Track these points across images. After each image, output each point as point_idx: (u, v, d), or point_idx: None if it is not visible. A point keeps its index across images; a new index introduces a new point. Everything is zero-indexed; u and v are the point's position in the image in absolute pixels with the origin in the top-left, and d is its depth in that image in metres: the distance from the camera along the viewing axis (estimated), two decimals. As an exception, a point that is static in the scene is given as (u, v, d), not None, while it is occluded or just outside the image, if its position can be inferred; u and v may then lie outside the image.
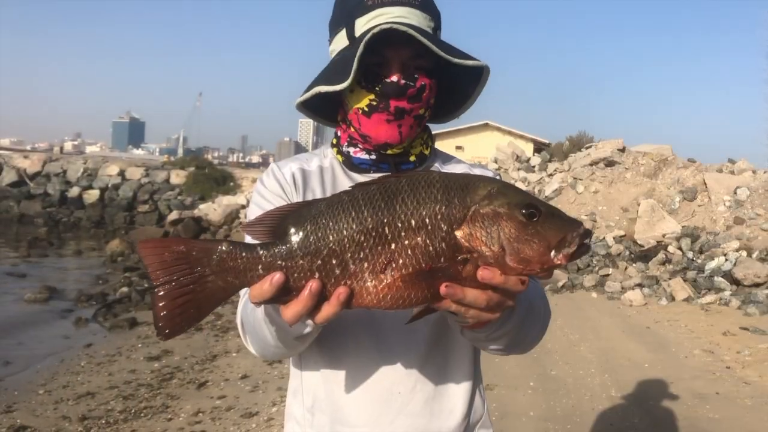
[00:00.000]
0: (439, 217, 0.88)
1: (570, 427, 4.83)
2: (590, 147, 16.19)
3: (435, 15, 1.26)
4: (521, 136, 39.81)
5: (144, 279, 12.83)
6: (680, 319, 8.38)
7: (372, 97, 1.22)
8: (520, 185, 16.20)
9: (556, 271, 11.18)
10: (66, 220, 25.08)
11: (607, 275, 10.89)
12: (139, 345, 8.05)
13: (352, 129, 1.28)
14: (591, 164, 14.69)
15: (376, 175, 1.24)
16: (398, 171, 1.27)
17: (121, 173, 27.64)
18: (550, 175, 15.64)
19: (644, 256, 11.33)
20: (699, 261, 10.54)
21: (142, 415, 5.52)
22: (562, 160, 16.73)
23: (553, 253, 0.87)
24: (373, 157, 1.28)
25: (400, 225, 0.88)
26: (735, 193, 12.34)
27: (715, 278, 9.64)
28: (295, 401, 1.36)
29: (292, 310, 0.91)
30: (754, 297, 8.63)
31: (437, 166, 1.35)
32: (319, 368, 1.28)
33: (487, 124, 40.14)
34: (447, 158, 1.40)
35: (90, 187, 27.19)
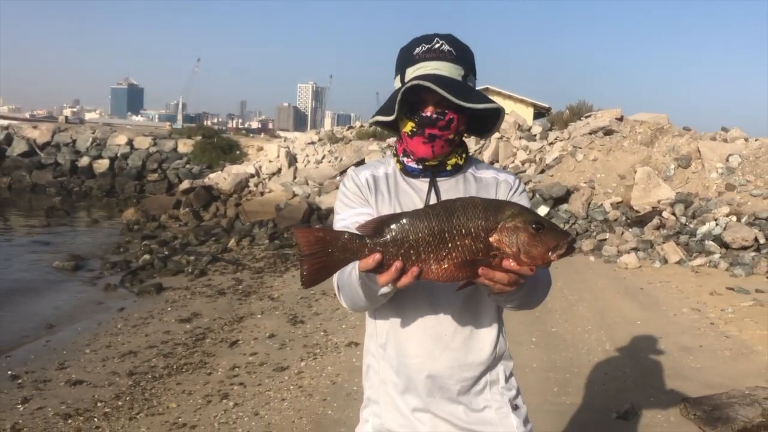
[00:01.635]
0: (479, 228, 1.42)
1: (568, 377, 5.42)
2: (590, 116, 16.61)
3: (466, 64, 1.73)
4: (522, 101, 39.87)
5: (164, 246, 13.43)
6: (671, 280, 8.96)
7: (413, 125, 1.72)
8: (521, 154, 16.67)
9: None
10: (78, 190, 25.57)
11: (605, 240, 11.45)
12: (169, 309, 8.60)
13: (404, 144, 1.82)
14: (590, 133, 15.14)
15: (425, 180, 1.79)
16: (436, 177, 1.82)
17: (130, 143, 28.04)
18: (551, 143, 16.10)
19: (640, 221, 11.88)
20: (691, 226, 11.08)
21: (183, 370, 6.05)
22: (562, 128, 17.15)
23: (550, 253, 1.41)
24: (420, 167, 1.82)
25: (455, 232, 1.42)
26: (727, 160, 12.83)
27: (706, 242, 10.20)
28: (371, 341, 1.90)
29: (384, 278, 1.45)
30: (741, 259, 9.20)
31: (471, 172, 1.87)
32: (389, 318, 1.82)
33: (487, 88, 40.16)
34: (479, 165, 1.93)
35: (99, 157, 27.62)
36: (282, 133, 41.30)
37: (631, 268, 9.83)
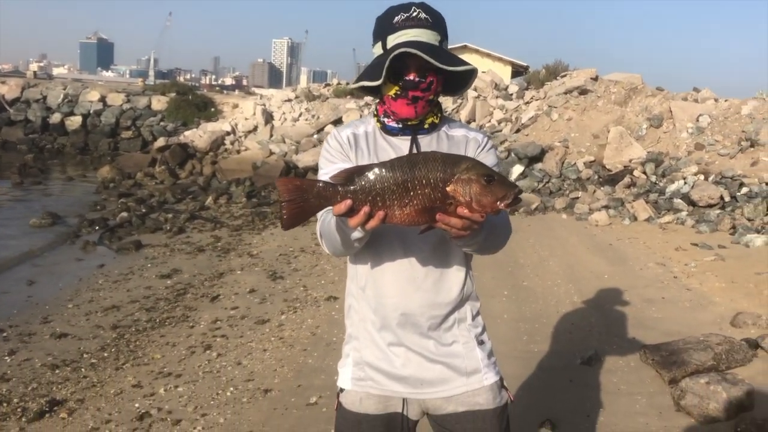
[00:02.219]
0: (438, 179, 1.58)
1: (537, 327, 5.69)
2: (565, 76, 16.77)
3: (441, 31, 1.88)
4: (500, 59, 39.81)
5: (141, 204, 13.46)
6: (640, 236, 9.27)
7: (397, 88, 1.87)
8: (497, 113, 16.82)
9: (530, 195, 11.99)
10: (50, 147, 25.17)
11: (577, 198, 11.73)
12: (149, 265, 8.71)
13: (386, 106, 1.97)
14: (565, 93, 15.31)
15: (404, 137, 1.95)
16: (416, 135, 1.98)
17: (102, 99, 27.53)
18: (527, 103, 16.26)
19: (612, 179, 12.17)
20: (661, 184, 11.39)
21: (166, 323, 6.21)
22: (538, 88, 17.30)
23: (499, 202, 1.57)
24: (400, 126, 1.97)
25: (416, 182, 1.58)
26: (697, 120, 13.10)
27: (675, 200, 10.52)
28: (352, 284, 2.08)
29: (354, 221, 1.62)
30: (707, 217, 9.54)
31: (445, 129, 2.03)
32: (367, 263, 1.99)
33: (465, 46, 39.94)
34: (452, 123, 2.08)
35: (72, 114, 27.10)
36: (257, 90, 40.87)
37: (601, 225, 10.13)
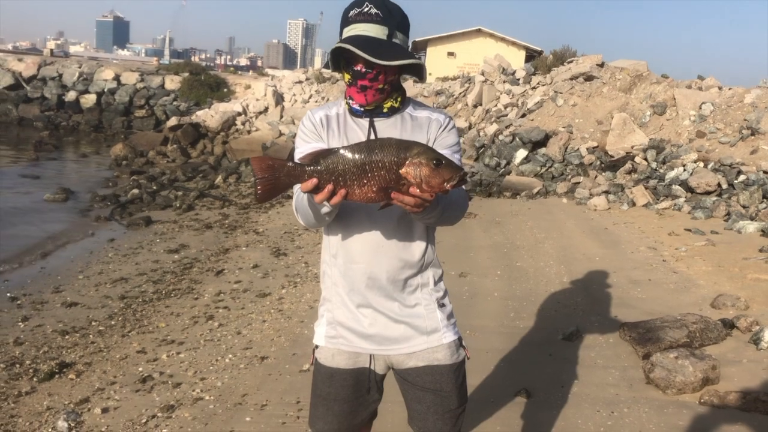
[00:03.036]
0: (392, 162, 1.80)
1: (525, 305, 5.91)
2: (572, 62, 16.83)
3: (391, 24, 2.05)
4: (513, 43, 39.62)
5: (152, 182, 13.77)
6: (636, 221, 9.43)
7: (349, 76, 2.08)
8: (504, 98, 16.93)
9: (532, 179, 12.17)
10: (65, 124, 25.62)
11: (578, 183, 11.88)
12: (158, 240, 9.02)
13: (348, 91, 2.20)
14: (571, 78, 15.38)
15: (366, 119, 2.17)
16: (374, 117, 2.15)
17: (117, 78, 27.90)
18: (534, 88, 16.35)
19: (613, 165, 12.30)
20: (661, 171, 11.51)
21: (172, 295, 6.50)
22: (545, 73, 17.37)
23: (445, 183, 1.79)
24: (362, 109, 2.19)
25: (373, 165, 1.81)
26: (700, 108, 13.17)
27: (673, 186, 10.65)
28: (325, 252, 2.31)
29: (319, 197, 1.85)
30: (703, 203, 9.68)
31: (409, 111, 2.23)
32: (338, 233, 2.22)
33: (479, 30, 39.84)
34: (417, 106, 2.28)
35: (86, 92, 27.53)
36: (270, 71, 41.01)
37: (600, 210, 10.30)
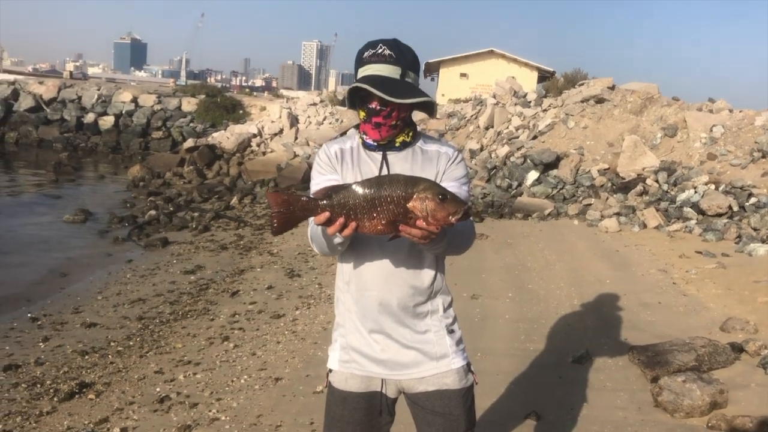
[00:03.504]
0: (400, 197, 1.92)
1: (536, 327, 5.98)
2: (583, 84, 16.94)
3: (404, 64, 2.18)
4: (526, 64, 39.79)
5: (169, 203, 13.98)
6: (647, 243, 9.47)
7: (364, 113, 2.20)
8: (515, 120, 17.06)
9: (543, 201, 12.24)
10: (84, 146, 26.02)
11: (590, 205, 11.95)
12: (174, 261, 9.17)
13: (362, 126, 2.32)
14: (582, 101, 15.48)
15: (379, 153, 2.28)
16: (387, 151, 2.25)
17: (134, 100, 28.32)
18: (545, 110, 16.46)
19: (624, 187, 12.35)
20: (672, 193, 11.56)
21: (188, 316, 6.61)
22: (556, 96, 17.50)
23: (450, 217, 1.90)
24: (375, 143, 2.29)
25: (382, 199, 1.93)
26: (711, 130, 13.22)
27: (684, 208, 10.69)
28: (339, 279, 2.42)
29: (331, 230, 1.97)
30: (714, 225, 9.71)
31: (419, 145, 2.34)
32: (351, 261, 2.33)
33: (492, 51, 40.05)
34: (427, 139, 2.40)
35: (105, 114, 27.96)
36: (285, 92, 41.48)
37: (611, 232, 10.35)
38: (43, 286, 8.13)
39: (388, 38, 2.21)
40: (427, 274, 2.30)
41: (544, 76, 37.04)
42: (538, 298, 6.92)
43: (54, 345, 5.87)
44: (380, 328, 2.25)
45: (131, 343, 5.91)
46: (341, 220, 1.95)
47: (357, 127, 2.33)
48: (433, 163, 2.27)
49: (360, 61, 2.19)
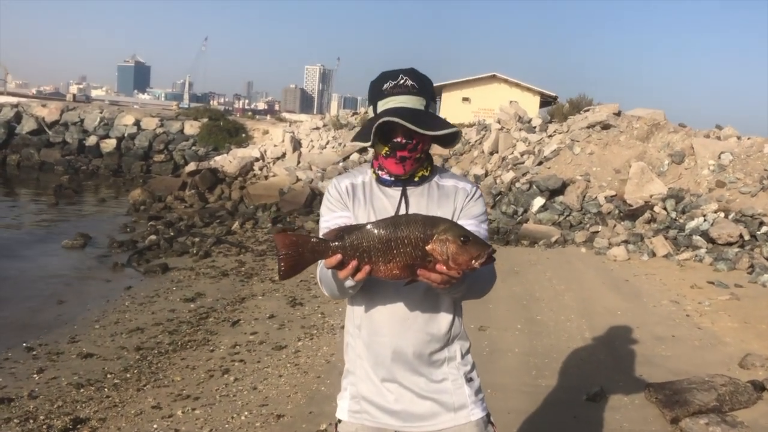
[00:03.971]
0: (418, 239, 1.77)
1: (547, 361, 5.79)
2: (588, 110, 16.89)
3: (427, 94, 2.07)
4: (528, 89, 39.87)
5: (169, 227, 13.83)
6: (657, 273, 9.30)
7: (387, 149, 2.06)
8: (520, 145, 16.97)
9: (550, 228, 12.09)
10: (85, 169, 25.95)
11: (597, 232, 11.78)
12: (174, 288, 8.99)
13: (380, 161, 2.18)
14: (588, 127, 15.41)
15: (397, 188, 2.14)
16: (406, 187, 2.14)
17: (137, 123, 28.36)
18: (550, 136, 16.38)
19: (632, 215, 12.20)
20: (681, 221, 11.40)
21: (187, 346, 6.42)
22: (561, 121, 17.43)
23: (473, 261, 1.75)
24: (392, 178, 2.17)
25: (399, 241, 1.78)
26: (719, 157, 13.11)
27: (694, 237, 10.53)
28: (349, 323, 2.26)
29: (343, 273, 1.82)
30: (725, 255, 9.54)
31: (436, 180, 2.21)
32: (362, 305, 2.17)
33: (494, 75, 40.12)
34: (444, 174, 2.27)
35: (107, 137, 27.98)
36: (288, 116, 41.55)
37: (619, 261, 10.17)
38: (39, 313, 7.94)
39: (405, 68, 2.10)
40: (444, 319, 2.16)
41: (546, 101, 37.10)
42: (548, 330, 6.73)
43: (49, 377, 5.68)
44: (393, 376, 2.10)
45: (128, 375, 5.71)
46: (354, 263, 1.80)
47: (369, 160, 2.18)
48: (450, 199, 2.14)
49: (380, 94, 2.06)
